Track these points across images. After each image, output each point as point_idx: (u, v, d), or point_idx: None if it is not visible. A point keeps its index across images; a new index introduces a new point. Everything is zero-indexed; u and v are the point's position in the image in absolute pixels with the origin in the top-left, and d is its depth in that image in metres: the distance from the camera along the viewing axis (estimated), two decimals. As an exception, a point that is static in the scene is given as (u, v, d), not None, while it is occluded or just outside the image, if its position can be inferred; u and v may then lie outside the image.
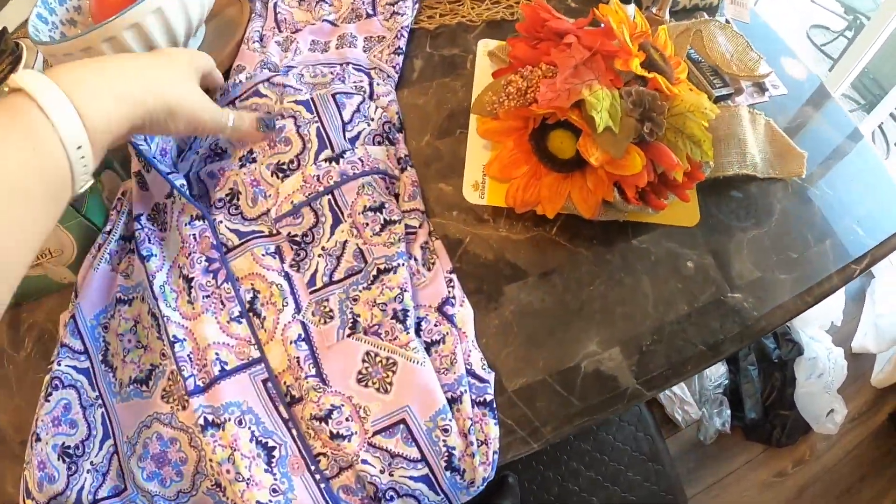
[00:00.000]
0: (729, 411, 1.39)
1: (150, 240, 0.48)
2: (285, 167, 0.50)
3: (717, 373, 1.41)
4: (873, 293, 1.51)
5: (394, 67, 0.59)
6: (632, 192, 0.45)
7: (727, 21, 0.66)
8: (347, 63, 0.59)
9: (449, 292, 0.45)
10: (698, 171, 0.48)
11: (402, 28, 0.61)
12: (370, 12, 0.64)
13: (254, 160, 0.51)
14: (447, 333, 0.43)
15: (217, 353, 0.43)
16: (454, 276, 0.47)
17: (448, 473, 0.39)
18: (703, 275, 0.48)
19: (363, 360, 0.42)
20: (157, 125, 0.40)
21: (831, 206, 0.52)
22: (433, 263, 0.47)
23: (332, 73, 0.58)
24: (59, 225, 0.47)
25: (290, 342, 0.44)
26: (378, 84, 0.57)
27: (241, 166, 0.51)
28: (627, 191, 0.45)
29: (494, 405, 0.42)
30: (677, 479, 1.31)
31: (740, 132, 0.53)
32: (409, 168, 0.52)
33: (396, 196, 0.50)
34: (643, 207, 0.47)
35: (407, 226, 0.48)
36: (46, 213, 0.32)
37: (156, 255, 0.47)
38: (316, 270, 0.47)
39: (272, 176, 0.50)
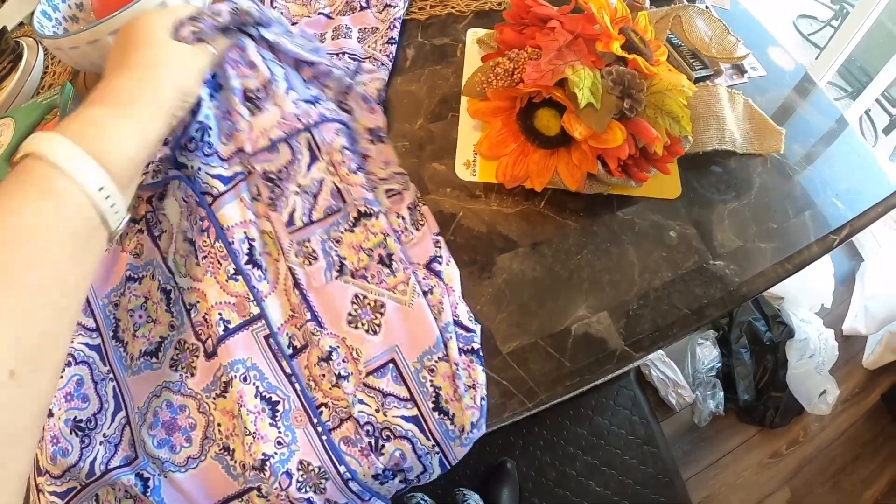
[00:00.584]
0: (722, 393, 1.41)
1: (159, 219, 0.50)
2: (253, 96, 0.50)
3: (710, 356, 1.43)
4: (863, 276, 1.54)
5: (387, 56, 0.61)
6: (614, 164, 0.47)
7: (706, 7, 0.69)
8: (343, 52, 0.61)
9: (436, 252, 0.48)
10: (678, 146, 0.50)
11: (394, 19, 0.64)
12: (364, 5, 0.66)
13: (220, 87, 0.51)
14: (435, 286, 0.46)
15: (220, 314, 0.45)
16: (440, 239, 0.49)
17: (436, 415, 0.41)
18: (686, 244, 0.50)
19: (352, 302, 0.45)
20: (177, 116, 0.40)
21: (810, 181, 0.55)
22: (422, 224, 0.49)
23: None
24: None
25: (293, 288, 0.46)
26: (365, 63, 0.60)
27: (210, 97, 0.51)
28: (610, 164, 0.47)
29: (481, 353, 0.44)
30: (672, 461, 1.34)
31: (718, 110, 0.56)
32: (380, 143, 0.54)
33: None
34: (626, 180, 0.49)
35: (390, 190, 0.50)
36: (85, 258, 0.32)
37: (166, 231, 0.49)
38: (294, 210, 0.48)
39: (243, 105, 0.50)
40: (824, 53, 1.40)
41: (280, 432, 0.42)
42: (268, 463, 0.40)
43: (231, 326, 0.45)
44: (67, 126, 0.33)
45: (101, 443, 0.44)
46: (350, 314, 0.44)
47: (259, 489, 0.41)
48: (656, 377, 1.43)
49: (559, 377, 0.45)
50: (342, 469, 0.41)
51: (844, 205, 0.54)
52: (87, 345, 0.47)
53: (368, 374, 0.43)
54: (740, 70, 0.62)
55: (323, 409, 0.43)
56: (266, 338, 0.45)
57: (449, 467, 0.43)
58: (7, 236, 0.28)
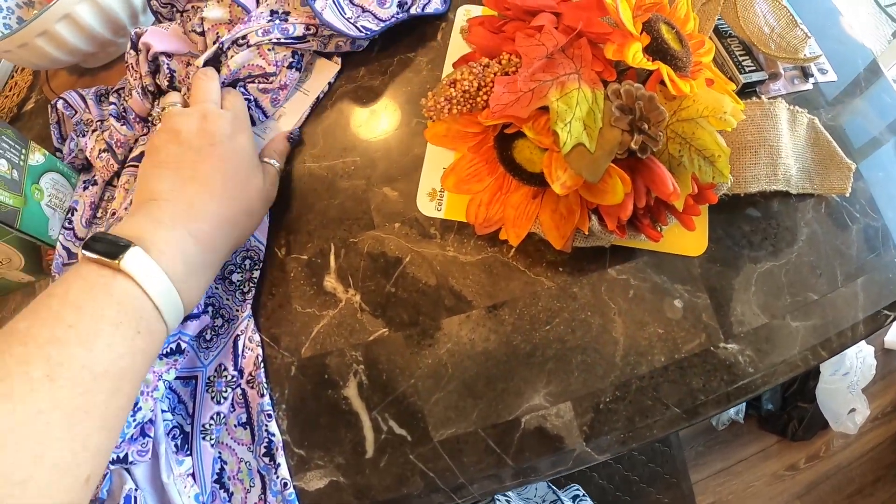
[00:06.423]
0: (744, 401, 1.33)
1: None
2: None
3: (735, 363, 1.34)
4: (919, 286, 1.39)
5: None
6: (613, 224, 0.36)
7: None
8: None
9: None
10: (709, 193, 0.38)
11: None
12: None
13: None
14: None
15: None
16: None
17: None
18: (694, 318, 0.39)
19: None
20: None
21: (872, 233, 0.42)
22: None
23: None
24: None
25: None
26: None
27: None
28: (608, 222, 0.36)
29: None
30: (683, 462, 1.27)
31: (773, 138, 0.42)
32: None
33: None
34: (635, 234, 0.38)
35: None
36: (147, 367, 0.33)
37: None
38: None
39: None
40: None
41: None
42: None
43: None
44: (171, 263, 0.33)
45: None
46: None
47: None
48: (673, 375, 1.35)
49: (497, 476, 0.36)
50: None
51: (911, 269, 0.41)
52: None
53: None
54: (804, 73, 0.48)
55: None
56: None
57: None
58: (108, 370, 0.29)
